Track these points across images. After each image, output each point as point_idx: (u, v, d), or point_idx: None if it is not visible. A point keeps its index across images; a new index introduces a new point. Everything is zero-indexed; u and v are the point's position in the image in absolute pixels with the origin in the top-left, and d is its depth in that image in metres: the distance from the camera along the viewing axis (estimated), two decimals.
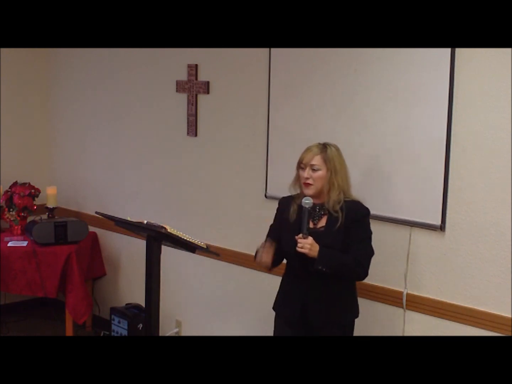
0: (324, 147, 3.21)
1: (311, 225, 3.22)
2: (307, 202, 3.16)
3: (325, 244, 3.13)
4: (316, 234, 3.16)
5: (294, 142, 3.95)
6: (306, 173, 3.19)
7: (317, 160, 3.18)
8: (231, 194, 4.36)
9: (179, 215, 4.66)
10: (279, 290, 3.42)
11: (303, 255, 3.12)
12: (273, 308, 3.43)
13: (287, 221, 3.28)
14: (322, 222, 3.22)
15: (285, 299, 3.35)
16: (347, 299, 3.28)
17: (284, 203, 3.37)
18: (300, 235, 3.11)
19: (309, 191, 3.19)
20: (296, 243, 3.12)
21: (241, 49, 4.14)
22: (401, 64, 3.45)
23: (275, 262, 3.32)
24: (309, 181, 3.18)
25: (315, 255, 3.10)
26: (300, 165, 3.24)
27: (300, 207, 3.19)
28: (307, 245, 3.09)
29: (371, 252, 3.23)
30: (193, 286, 4.68)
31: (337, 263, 3.13)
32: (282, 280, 3.41)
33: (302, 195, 3.24)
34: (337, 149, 3.24)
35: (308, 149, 3.24)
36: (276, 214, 3.43)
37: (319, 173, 3.17)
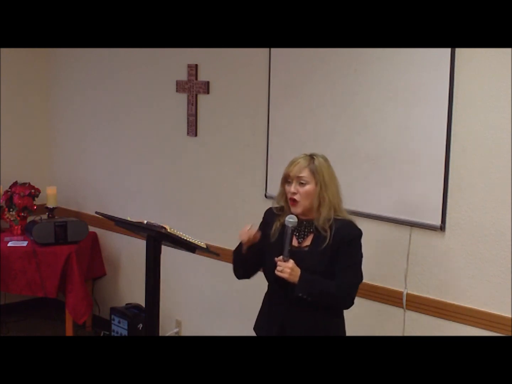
0: (311, 159, 2.94)
1: (295, 243, 2.95)
2: (290, 221, 2.89)
3: (308, 266, 2.88)
4: (299, 254, 2.91)
5: (294, 142, 3.95)
6: (292, 187, 2.91)
7: (305, 173, 2.90)
8: (231, 194, 4.36)
9: (179, 215, 4.66)
10: (259, 310, 3.19)
11: (282, 279, 2.87)
12: (254, 328, 3.18)
13: (268, 239, 3.02)
14: (308, 241, 2.96)
15: (263, 321, 3.11)
16: (330, 325, 2.99)
17: (269, 216, 3.11)
18: (281, 257, 2.85)
19: (296, 209, 2.93)
20: (275, 265, 2.87)
21: (241, 49, 4.14)
22: (401, 64, 3.45)
23: (251, 268, 3.12)
24: (296, 197, 2.91)
25: (296, 281, 2.83)
26: (287, 179, 2.96)
27: (283, 226, 2.93)
28: (287, 269, 2.82)
29: (358, 280, 2.96)
30: (193, 286, 4.68)
31: (319, 291, 2.85)
32: (263, 300, 3.17)
33: (287, 212, 2.97)
34: (326, 160, 2.97)
35: (293, 162, 2.95)
36: (259, 225, 3.14)
37: (307, 187, 2.90)
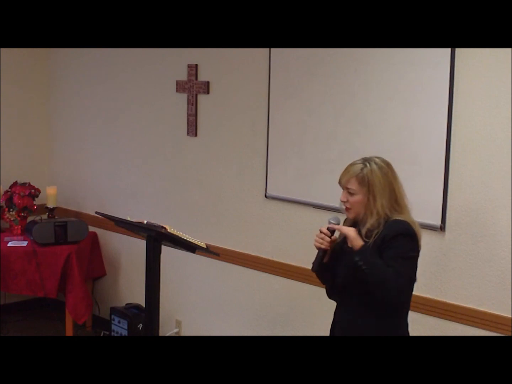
0: (363, 166, 2.77)
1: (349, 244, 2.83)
2: (333, 222, 2.87)
3: (352, 265, 2.75)
4: (341, 253, 2.87)
5: (294, 142, 3.95)
6: (342, 195, 2.83)
7: (352, 184, 2.77)
8: (231, 194, 4.36)
9: (179, 215, 4.66)
10: None
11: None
12: None
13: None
14: None
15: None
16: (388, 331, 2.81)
17: None
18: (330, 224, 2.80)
19: (350, 215, 2.84)
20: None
21: (241, 49, 4.14)
22: (401, 64, 3.45)
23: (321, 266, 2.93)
24: (347, 205, 2.82)
25: (358, 245, 2.70)
26: (340, 185, 2.86)
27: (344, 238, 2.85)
28: (352, 231, 2.73)
29: (410, 274, 2.73)
30: (193, 286, 4.68)
31: (375, 264, 2.68)
32: None
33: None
34: (381, 166, 2.77)
35: (346, 168, 2.83)
36: None
37: (355, 198, 2.77)
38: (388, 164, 2.81)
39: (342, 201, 2.84)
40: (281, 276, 4.10)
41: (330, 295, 2.99)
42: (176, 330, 4.79)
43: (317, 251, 2.88)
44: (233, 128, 4.31)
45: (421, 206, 3.42)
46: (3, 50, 5.19)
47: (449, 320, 3.39)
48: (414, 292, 3.49)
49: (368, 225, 2.76)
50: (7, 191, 5.18)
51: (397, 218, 2.76)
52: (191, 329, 4.72)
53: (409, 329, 3.53)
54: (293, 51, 3.87)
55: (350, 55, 3.63)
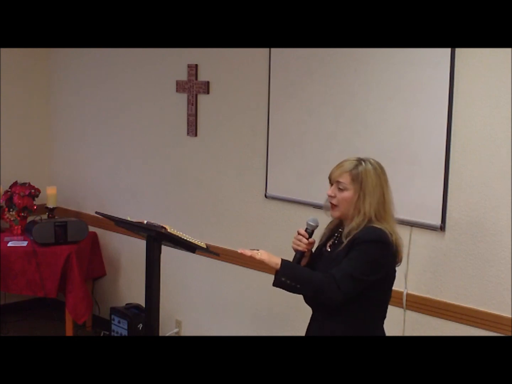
0: (358, 163, 2.72)
1: (328, 247, 2.83)
2: (312, 224, 2.82)
3: (321, 269, 2.73)
4: (320, 256, 2.84)
5: (294, 142, 3.95)
6: (330, 190, 2.75)
7: (344, 178, 2.71)
8: (231, 194, 4.36)
9: (179, 215, 4.66)
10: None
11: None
12: None
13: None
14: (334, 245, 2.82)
15: None
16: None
17: None
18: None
19: (334, 213, 2.76)
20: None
21: (241, 49, 4.14)
22: (401, 64, 3.45)
23: None
24: (334, 201, 2.74)
25: (277, 264, 2.65)
26: (329, 181, 2.80)
27: (328, 231, 2.84)
28: (264, 254, 2.69)
29: (357, 274, 2.62)
30: (193, 286, 4.68)
31: (300, 275, 2.66)
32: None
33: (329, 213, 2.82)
34: (376, 167, 2.72)
35: (340, 163, 2.77)
36: None
37: (345, 194, 2.70)
38: (382, 168, 2.76)
39: (329, 196, 2.76)
40: None
41: (305, 300, 2.88)
42: (176, 330, 4.80)
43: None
44: (233, 128, 4.31)
45: (421, 206, 3.43)
46: (3, 50, 5.19)
47: (449, 320, 3.39)
48: (414, 292, 3.51)
49: (353, 224, 2.69)
50: (7, 191, 5.18)
51: (376, 225, 2.67)
52: (191, 329, 4.72)
53: (409, 329, 3.55)
54: (293, 51, 3.87)
55: (350, 55, 3.63)
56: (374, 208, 2.69)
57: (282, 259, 2.67)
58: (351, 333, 2.72)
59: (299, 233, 2.84)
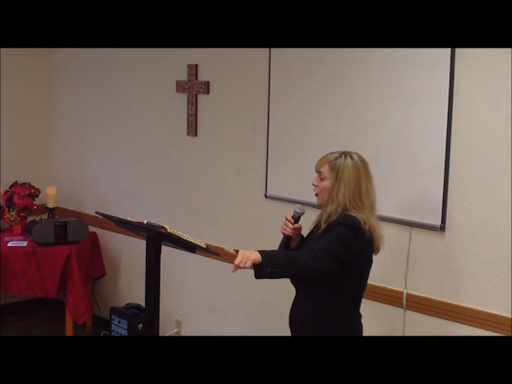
0: (339, 156, 2.92)
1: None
2: (298, 211, 3.05)
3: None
4: (302, 242, 3.07)
5: (294, 142, 3.95)
6: (314, 179, 2.98)
7: (324, 168, 2.93)
8: (231, 194, 4.36)
9: (179, 215, 4.66)
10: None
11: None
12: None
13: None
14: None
15: None
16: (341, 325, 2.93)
17: None
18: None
19: (318, 200, 2.99)
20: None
21: (241, 49, 4.14)
22: (401, 64, 3.45)
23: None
24: (316, 190, 2.97)
25: (257, 259, 2.72)
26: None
27: (318, 218, 3.02)
28: (240, 258, 2.72)
29: (332, 247, 2.78)
30: (193, 286, 4.68)
31: (284, 259, 2.79)
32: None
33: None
34: (356, 161, 2.91)
35: (324, 155, 2.99)
36: None
37: (324, 183, 2.92)
38: (363, 162, 2.94)
39: (313, 185, 2.97)
40: None
41: (290, 280, 3.07)
42: (176, 330, 4.80)
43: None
44: (233, 128, 4.31)
45: (421, 206, 3.43)
46: (3, 50, 5.19)
47: (449, 320, 3.39)
48: (414, 292, 3.51)
49: (328, 211, 2.90)
50: (7, 191, 5.18)
51: (352, 213, 2.85)
52: (191, 329, 4.72)
53: (409, 329, 3.54)
54: (293, 51, 3.87)
55: (350, 55, 3.63)
56: (348, 198, 2.87)
57: (259, 252, 2.75)
58: (322, 317, 2.91)
59: (286, 219, 3.06)
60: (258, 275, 2.79)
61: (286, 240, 3.07)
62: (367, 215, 2.87)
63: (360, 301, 3.00)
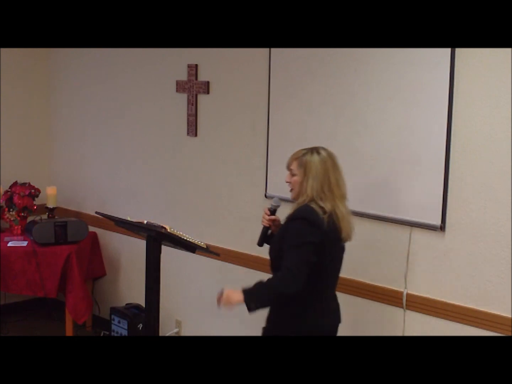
0: (307, 152, 3.07)
1: None
2: (274, 204, 3.25)
3: (270, 251, 3.12)
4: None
5: (294, 142, 3.95)
6: (286, 176, 3.15)
7: (293, 165, 3.09)
8: (231, 194, 4.36)
9: (179, 215, 4.66)
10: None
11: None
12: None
13: None
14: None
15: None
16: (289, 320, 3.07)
17: None
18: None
19: (291, 195, 3.14)
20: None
21: (241, 49, 4.14)
22: (401, 64, 3.45)
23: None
24: (290, 186, 3.13)
25: (241, 299, 2.93)
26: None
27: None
28: (225, 299, 2.98)
29: (291, 264, 2.90)
30: (193, 286, 4.68)
31: (263, 290, 2.97)
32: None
33: None
34: (322, 156, 3.04)
35: (293, 153, 3.15)
36: None
37: (294, 178, 3.08)
38: (330, 155, 3.07)
39: (286, 182, 3.14)
40: None
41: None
42: (176, 330, 4.80)
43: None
44: (233, 128, 4.31)
45: (421, 206, 3.43)
46: (3, 50, 5.19)
47: (449, 320, 3.39)
48: (414, 292, 3.51)
49: (297, 204, 3.05)
50: (7, 191, 5.18)
51: (312, 204, 2.99)
52: (191, 329, 4.72)
53: (409, 329, 3.54)
54: (293, 51, 3.87)
55: (350, 55, 3.63)
56: (316, 190, 3.01)
57: (242, 290, 2.95)
58: (287, 302, 3.01)
59: (264, 211, 3.27)
60: (249, 311, 2.96)
61: (265, 231, 3.26)
62: (333, 204, 3.01)
63: (328, 287, 3.10)
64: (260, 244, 3.28)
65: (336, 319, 3.15)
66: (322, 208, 2.98)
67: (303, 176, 3.04)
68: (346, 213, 3.05)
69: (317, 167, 3.02)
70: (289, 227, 3.01)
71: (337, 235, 3.03)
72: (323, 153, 3.06)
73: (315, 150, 3.07)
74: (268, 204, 3.35)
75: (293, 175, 3.09)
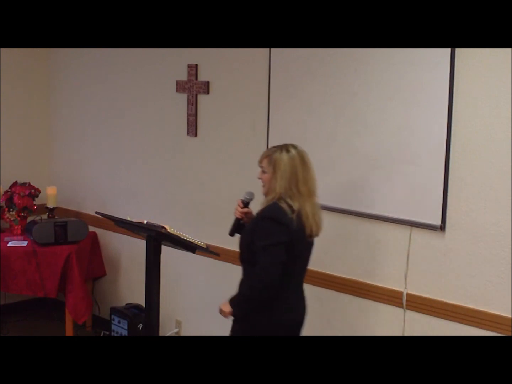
0: (276, 150, 3.14)
1: None
2: (246, 197, 3.31)
3: (246, 232, 3.21)
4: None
5: (294, 142, 3.94)
6: (258, 173, 3.21)
7: (264, 163, 3.17)
8: (231, 194, 4.36)
9: (179, 215, 4.66)
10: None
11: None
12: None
13: None
14: None
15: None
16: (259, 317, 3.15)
17: None
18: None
19: (263, 190, 3.21)
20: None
21: (241, 49, 4.14)
22: (401, 64, 3.45)
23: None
24: (262, 182, 3.20)
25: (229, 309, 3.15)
26: None
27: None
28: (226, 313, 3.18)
29: (265, 264, 3.01)
30: (193, 286, 4.68)
31: (239, 296, 3.13)
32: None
33: None
34: (292, 154, 3.10)
35: (264, 151, 3.27)
36: None
37: (265, 175, 3.16)
38: (299, 153, 3.12)
39: (258, 178, 3.20)
40: None
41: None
42: (176, 330, 4.80)
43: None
44: (233, 128, 4.31)
45: (421, 206, 3.43)
46: (3, 50, 5.19)
47: (449, 320, 3.39)
48: (414, 292, 3.51)
49: (265, 200, 3.14)
50: (7, 191, 5.18)
51: (280, 203, 3.05)
52: (191, 329, 4.72)
53: (409, 329, 3.54)
54: (293, 51, 3.87)
55: (350, 55, 3.63)
56: (284, 188, 3.07)
57: (229, 301, 3.15)
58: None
59: (238, 203, 3.33)
60: (236, 317, 3.16)
61: (236, 222, 3.33)
62: (300, 202, 3.06)
63: (296, 283, 3.18)
64: (231, 234, 3.35)
65: (302, 314, 3.23)
66: (290, 206, 3.05)
67: (272, 173, 3.11)
68: (314, 210, 3.11)
69: (286, 165, 3.08)
70: (258, 225, 3.07)
71: (304, 233, 3.09)
72: (292, 151, 3.11)
73: (284, 148, 3.13)
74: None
75: (263, 172, 3.16)
